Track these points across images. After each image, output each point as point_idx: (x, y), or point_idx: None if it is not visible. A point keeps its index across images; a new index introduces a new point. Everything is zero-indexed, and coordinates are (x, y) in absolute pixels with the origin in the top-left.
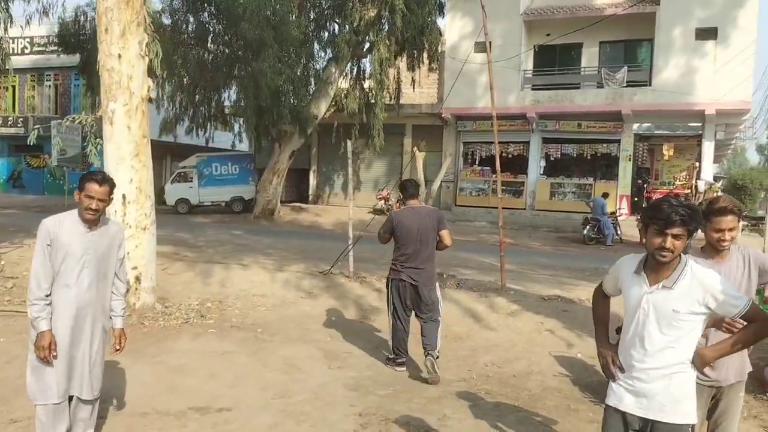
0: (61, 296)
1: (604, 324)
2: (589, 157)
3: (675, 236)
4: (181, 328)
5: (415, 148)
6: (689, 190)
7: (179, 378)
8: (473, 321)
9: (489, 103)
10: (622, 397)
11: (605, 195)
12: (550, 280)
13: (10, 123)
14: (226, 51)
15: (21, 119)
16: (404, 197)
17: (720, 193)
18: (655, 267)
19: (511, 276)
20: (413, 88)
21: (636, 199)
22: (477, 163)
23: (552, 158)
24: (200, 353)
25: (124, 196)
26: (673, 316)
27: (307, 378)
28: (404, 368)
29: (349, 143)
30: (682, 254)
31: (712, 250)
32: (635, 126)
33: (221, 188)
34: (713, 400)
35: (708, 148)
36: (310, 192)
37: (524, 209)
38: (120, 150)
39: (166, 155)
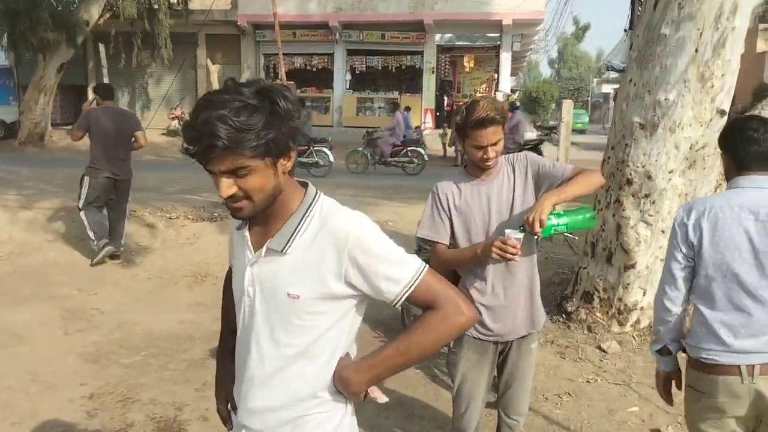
0: None
1: (227, 325)
2: (394, 70)
3: (229, 173)
4: None
5: (209, 61)
6: None
7: None
8: None
9: (289, 10)
10: None
11: (407, 109)
12: (352, 201)
13: None
14: None
15: None
16: (100, 98)
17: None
18: (257, 219)
19: None
20: None
21: (438, 113)
22: (279, 76)
23: (357, 71)
24: None
25: None
26: (290, 308)
27: (29, 352)
28: (111, 246)
29: (101, 47)
30: (311, 189)
31: (476, 168)
32: (437, 37)
33: None
34: (501, 357)
35: (505, 59)
36: None
37: (332, 126)
38: None
39: None
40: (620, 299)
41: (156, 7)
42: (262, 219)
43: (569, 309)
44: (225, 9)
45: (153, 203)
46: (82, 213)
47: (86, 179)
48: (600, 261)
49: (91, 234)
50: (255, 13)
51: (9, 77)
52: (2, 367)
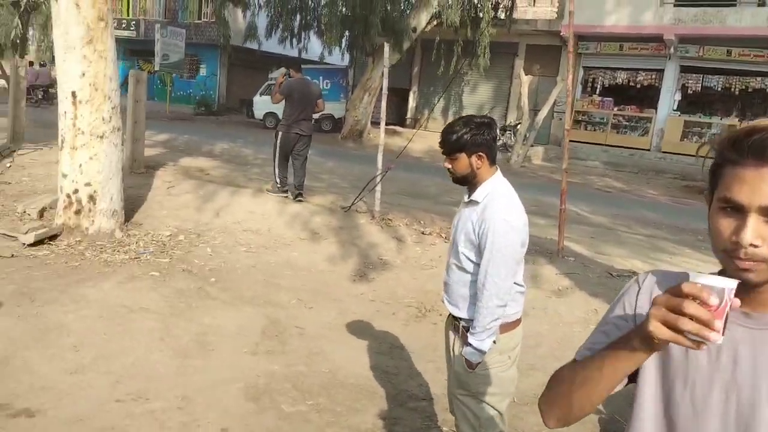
0: None
1: None
2: (737, 92)
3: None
4: (124, 265)
5: (521, 71)
6: None
7: (35, 344)
8: None
9: (618, 21)
10: None
11: None
12: (643, 244)
13: (123, 26)
14: None
15: (134, 22)
16: (292, 71)
17: None
18: None
19: (591, 233)
20: (533, 1)
21: None
22: (597, 92)
23: (690, 91)
24: (106, 306)
25: (74, 94)
26: None
27: (202, 368)
28: (288, 194)
29: (386, 47)
30: None
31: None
32: None
33: None
34: None
35: None
36: (409, 114)
37: (648, 150)
38: (68, 35)
39: (254, 65)
40: None
41: (481, 16)
42: None
43: None
44: (549, 19)
45: (415, 213)
46: (276, 165)
47: (279, 134)
48: None
49: (277, 179)
50: (581, 23)
51: (344, 77)
52: (164, 381)
